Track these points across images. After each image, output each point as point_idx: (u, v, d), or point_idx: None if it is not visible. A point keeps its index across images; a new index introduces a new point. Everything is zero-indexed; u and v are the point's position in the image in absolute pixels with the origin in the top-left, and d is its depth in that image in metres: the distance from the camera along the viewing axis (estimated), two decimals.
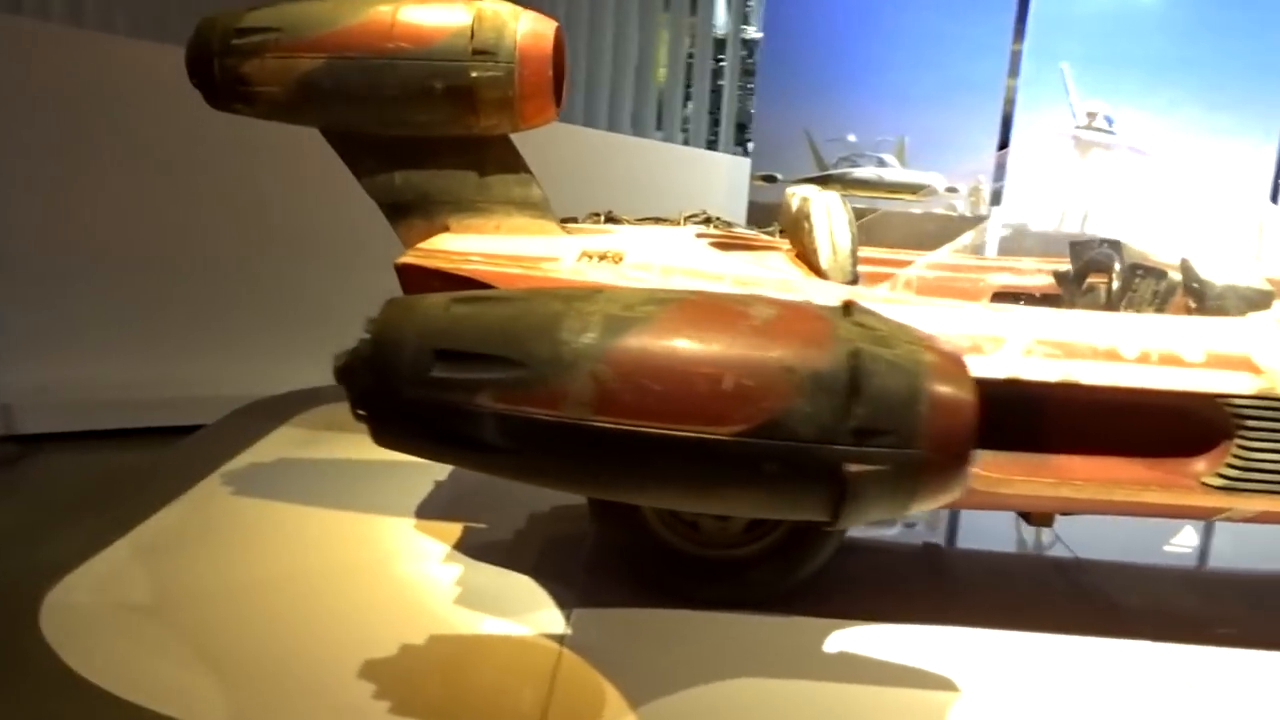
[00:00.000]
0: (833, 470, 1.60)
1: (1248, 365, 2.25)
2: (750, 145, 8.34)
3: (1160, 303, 2.77)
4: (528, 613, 2.44)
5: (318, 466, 3.43)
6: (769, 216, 5.72)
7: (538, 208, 2.82)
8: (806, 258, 2.68)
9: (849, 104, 5.64)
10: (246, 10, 2.68)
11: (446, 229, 2.81)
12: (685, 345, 1.62)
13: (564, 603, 2.50)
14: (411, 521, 2.98)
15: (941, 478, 1.63)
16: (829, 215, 2.60)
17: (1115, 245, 3.16)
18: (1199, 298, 2.59)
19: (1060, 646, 2.43)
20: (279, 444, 3.62)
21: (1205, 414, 2.26)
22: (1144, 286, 2.80)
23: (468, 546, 2.82)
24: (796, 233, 2.85)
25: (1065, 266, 3.45)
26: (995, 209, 5.75)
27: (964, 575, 2.98)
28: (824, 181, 5.85)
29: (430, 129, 2.73)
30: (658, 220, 3.96)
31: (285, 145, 4.27)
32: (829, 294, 2.38)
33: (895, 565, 2.98)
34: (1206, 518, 2.38)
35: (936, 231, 5.41)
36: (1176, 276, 2.79)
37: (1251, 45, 5.15)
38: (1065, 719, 2.14)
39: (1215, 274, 2.58)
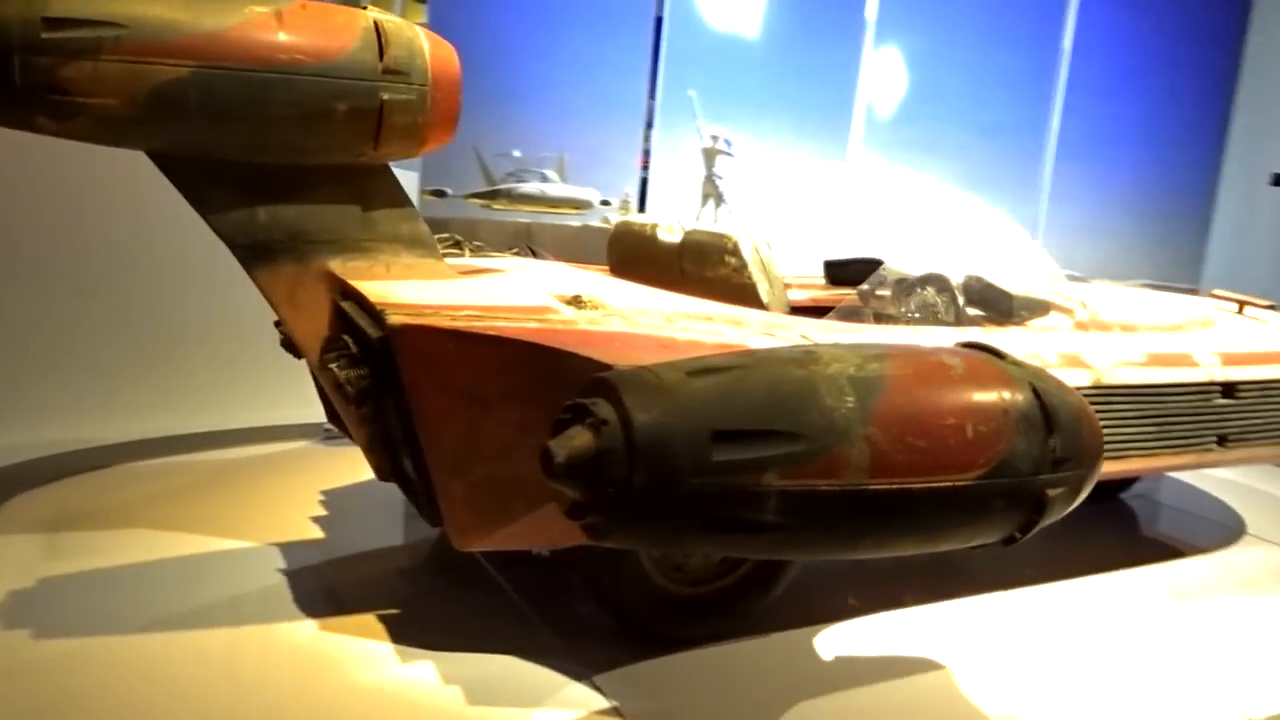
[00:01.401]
0: (1037, 497, 1.80)
1: (1080, 363, 2.88)
2: None
3: (958, 314, 3.35)
4: (555, 694, 2.25)
5: (106, 582, 2.66)
6: (439, 230, 5.54)
7: (425, 245, 2.59)
8: (728, 291, 2.78)
9: (513, 120, 5.66)
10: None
11: (326, 273, 2.44)
12: (928, 401, 1.70)
13: (576, 674, 2.33)
14: (311, 625, 2.50)
15: (1089, 488, 1.92)
16: (758, 253, 2.74)
17: (877, 263, 3.71)
18: (995, 308, 3.21)
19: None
20: (20, 560, 2.72)
21: None
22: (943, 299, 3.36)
23: (409, 638, 2.46)
24: (688, 264, 2.93)
25: (817, 280, 3.96)
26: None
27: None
28: (492, 196, 5.83)
29: (314, 155, 2.36)
30: None
31: None
32: (785, 325, 2.54)
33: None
34: None
35: (593, 243, 5.74)
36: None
37: (827, 85, 6.25)
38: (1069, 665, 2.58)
39: (1011, 287, 3.22)
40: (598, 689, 2.28)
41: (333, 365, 2.32)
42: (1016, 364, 1.91)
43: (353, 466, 3.66)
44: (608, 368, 2.09)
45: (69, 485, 3.27)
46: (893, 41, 6.32)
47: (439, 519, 2.26)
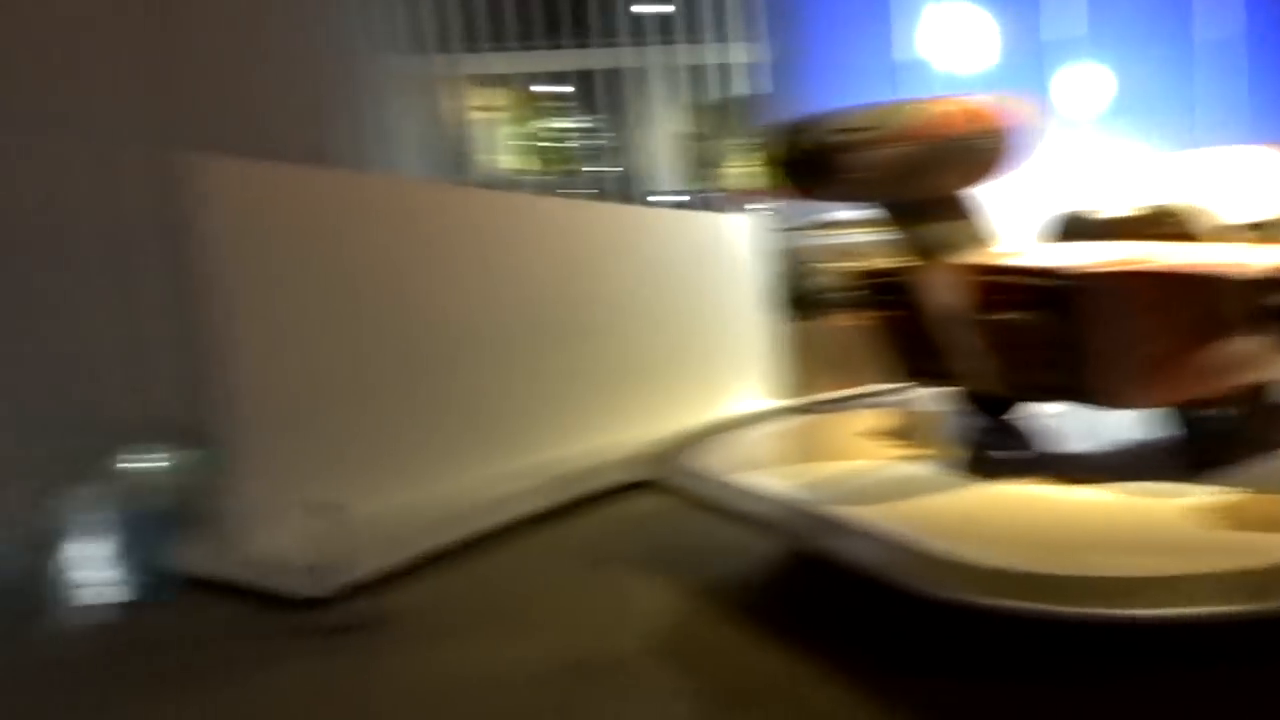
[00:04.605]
0: None
1: None
2: None
3: None
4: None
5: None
6: None
7: (986, 239, 3.44)
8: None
9: None
10: (835, 115, 3.08)
11: (954, 264, 3.32)
12: None
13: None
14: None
15: None
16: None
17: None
18: None
19: None
20: None
21: None
22: None
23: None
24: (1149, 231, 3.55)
25: None
26: None
27: None
28: None
29: (947, 189, 3.36)
30: None
31: None
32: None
33: None
34: None
35: None
36: None
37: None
38: None
39: None
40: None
41: (1010, 315, 3.08)
42: None
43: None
44: (1219, 278, 3.01)
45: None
46: None
47: (1105, 394, 3.04)
